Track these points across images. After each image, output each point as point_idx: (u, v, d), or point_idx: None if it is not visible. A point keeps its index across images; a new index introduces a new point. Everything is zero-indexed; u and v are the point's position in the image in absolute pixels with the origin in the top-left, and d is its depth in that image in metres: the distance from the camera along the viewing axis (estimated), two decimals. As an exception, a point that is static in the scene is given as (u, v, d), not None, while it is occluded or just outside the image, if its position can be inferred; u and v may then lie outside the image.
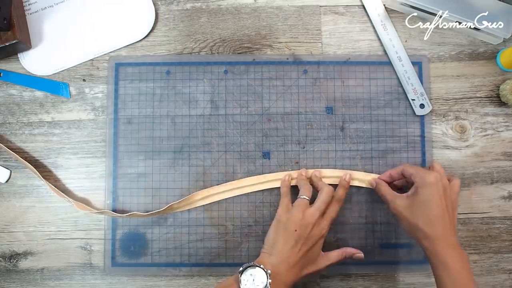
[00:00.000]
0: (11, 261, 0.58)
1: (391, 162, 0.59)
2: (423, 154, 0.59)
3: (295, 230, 0.50)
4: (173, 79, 0.60)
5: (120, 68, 0.60)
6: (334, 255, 0.53)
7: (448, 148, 0.59)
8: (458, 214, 0.58)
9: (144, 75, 0.60)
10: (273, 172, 0.59)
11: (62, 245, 0.58)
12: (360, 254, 0.54)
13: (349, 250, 0.54)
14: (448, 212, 0.49)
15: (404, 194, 0.51)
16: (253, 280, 0.47)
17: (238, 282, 0.47)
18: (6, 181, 0.59)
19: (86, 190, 0.59)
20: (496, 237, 0.58)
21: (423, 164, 0.59)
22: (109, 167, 0.59)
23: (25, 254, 0.58)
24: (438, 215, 0.48)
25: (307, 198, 0.53)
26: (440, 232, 0.48)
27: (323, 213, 0.52)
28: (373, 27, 0.60)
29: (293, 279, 0.49)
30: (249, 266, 0.48)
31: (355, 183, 0.58)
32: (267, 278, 0.47)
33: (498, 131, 0.59)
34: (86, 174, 0.59)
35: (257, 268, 0.47)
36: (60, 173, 0.59)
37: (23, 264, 0.58)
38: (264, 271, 0.47)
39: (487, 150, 0.59)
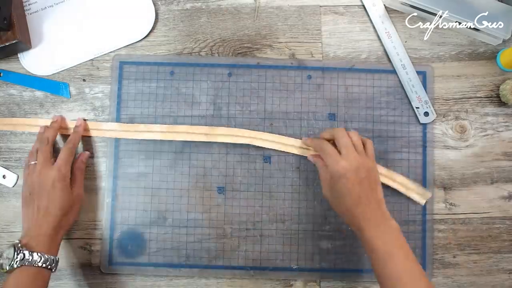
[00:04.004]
0: (11, 261, 0.58)
1: (391, 163, 0.58)
2: (423, 154, 0.59)
3: (30, 193, 0.52)
4: (177, 79, 0.60)
5: (124, 66, 0.60)
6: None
7: (448, 148, 0.59)
8: (458, 214, 0.58)
9: (148, 74, 0.60)
10: (273, 177, 0.58)
11: (62, 245, 0.58)
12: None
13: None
14: (366, 192, 0.48)
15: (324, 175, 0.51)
16: (7, 257, 0.47)
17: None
18: (13, 186, 0.59)
19: (86, 190, 0.59)
20: (496, 237, 0.58)
21: (423, 165, 0.58)
22: (109, 167, 0.59)
23: (25, 254, 0.58)
24: (354, 203, 0.47)
25: (32, 162, 0.54)
26: (359, 219, 0.47)
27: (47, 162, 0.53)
28: (374, 28, 0.60)
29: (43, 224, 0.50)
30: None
31: (288, 148, 0.58)
32: (14, 249, 0.47)
33: (498, 131, 0.59)
34: (86, 174, 0.59)
35: (6, 250, 0.48)
36: (60, 173, 0.59)
37: (23, 264, 0.58)
38: (13, 245, 0.47)
39: (487, 150, 0.59)
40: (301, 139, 0.58)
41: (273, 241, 0.58)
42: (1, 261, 0.47)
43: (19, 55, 0.60)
